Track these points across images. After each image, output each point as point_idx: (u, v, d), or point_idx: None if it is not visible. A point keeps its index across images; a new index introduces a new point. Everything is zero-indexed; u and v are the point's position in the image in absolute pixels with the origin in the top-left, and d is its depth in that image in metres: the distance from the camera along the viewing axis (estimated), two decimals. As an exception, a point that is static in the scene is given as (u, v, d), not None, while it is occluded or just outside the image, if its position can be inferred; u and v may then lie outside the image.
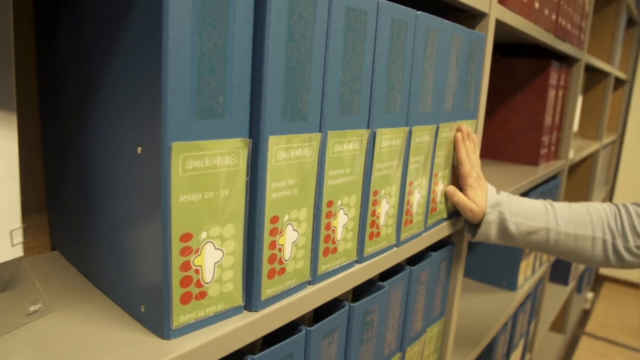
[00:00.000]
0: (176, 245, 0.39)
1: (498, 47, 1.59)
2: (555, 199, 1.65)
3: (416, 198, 0.69)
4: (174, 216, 0.38)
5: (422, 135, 0.68)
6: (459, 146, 0.79)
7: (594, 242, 0.84)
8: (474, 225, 0.87)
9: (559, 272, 2.44)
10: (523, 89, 1.47)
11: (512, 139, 1.49)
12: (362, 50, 0.53)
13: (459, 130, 0.79)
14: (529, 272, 1.56)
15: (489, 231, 0.85)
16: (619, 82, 3.20)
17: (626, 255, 0.84)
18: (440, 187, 0.77)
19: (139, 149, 0.39)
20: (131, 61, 0.39)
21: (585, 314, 3.49)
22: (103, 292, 0.50)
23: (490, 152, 1.53)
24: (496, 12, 0.86)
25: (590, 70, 2.33)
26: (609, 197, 3.43)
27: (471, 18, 0.83)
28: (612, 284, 4.06)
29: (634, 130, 3.77)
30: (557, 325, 2.72)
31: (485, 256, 1.48)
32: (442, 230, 0.80)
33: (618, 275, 4.05)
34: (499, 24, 0.91)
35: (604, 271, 4.05)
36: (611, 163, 3.31)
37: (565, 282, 2.48)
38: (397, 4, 0.58)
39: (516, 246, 0.99)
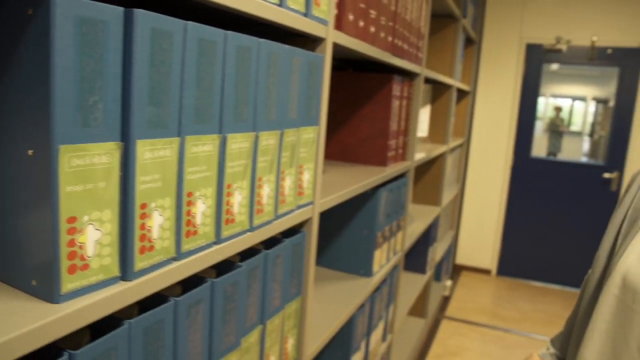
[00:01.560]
0: (64, 226, 0.50)
1: (352, 63, 1.80)
2: (403, 193, 1.89)
3: (265, 191, 0.84)
4: (61, 203, 0.49)
5: (269, 139, 0.83)
6: None
7: None
8: None
9: (416, 262, 2.73)
10: (371, 100, 1.68)
11: (363, 143, 1.70)
12: (213, 72, 0.67)
13: None
14: (383, 260, 1.78)
15: None
16: (464, 93, 3.62)
17: None
18: (287, 182, 0.92)
19: (30, 152, 0.50)
20: (23, 83, 0.50)
21: (445, 300, 3.88)
22: (-5, 276, 0.59)
23: (345, 156, 1.73)
24: (333, 37, 1.05)
25: (435, 82, 2.65)
26: (461, 194, 3.85)
27: (312, 42, 1.00)
28: (468, 272, 4.53)
29: (478, 134, 4.27)
30: (419, 311, 3.02)
31: (344, 247, 1.68)
32: (293, 219, 0.96)
33: (473, 264, 4.53)
34: (337, 46, 1.10)
35: (461, 260, 4.50)
36: (461, 164, 3.72)
37: (422, 271, 2.78)
38: (242, 34, 0.73)
39: None
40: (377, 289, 1.73)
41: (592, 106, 9.37)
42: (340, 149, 1.74)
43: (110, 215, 0.55)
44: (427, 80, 2.48)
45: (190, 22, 0.62)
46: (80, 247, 0.53)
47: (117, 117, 0.55)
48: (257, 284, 0.89)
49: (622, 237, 1.06)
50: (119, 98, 0.54)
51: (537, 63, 4.28)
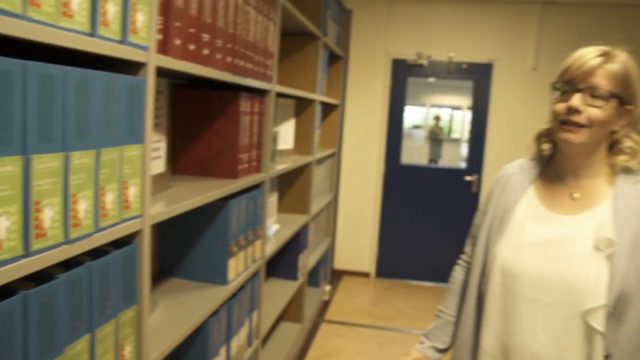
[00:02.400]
0: None
1: (206, 82, 1.87)
2: (259, 203, 1.99)
3: (82, 206, 0.91)
4: None
5: (83, 158, 0.89)
6: None
7: None
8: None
9: (286, 269, 2.86)
10: (221, 116, 1.78)
11: (215, 158, 1.79)
12: (11, 99, 0.73)
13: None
14: (240, 268, 1.87)
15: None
16: (333, 106, 3.82)
17: None
18: (109, 197, 0.99)
19: None
20: None
21: (325, 304, 4.05)
22: None
23: (198, 170, 1.81)
24: (156, 61, 1.13)
25: (298, 97, 2.79)
26: (335, 201, 4.05)
27: (133, 66, 1.08)
28: (348, 276, 4.74)
29: (349, 144, 4.52)
30: (295, 316, 3.14)
31: (200, 258, 1.75)
32: (118, 232, 1.03)
33: (352, 268, 4.74)
34: (164, 68, 1.18)
35: (340, 266, 4.71)
36: (333, 173, 3.92)
37: (294, 277, 2.90)
38: (45, 64, 0.79)
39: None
40: (234, 296, 1.82)
41: (468, 115, 10.16)
42: (193, 163, 1.81)
43: None
44: (288, 96, 2.62)
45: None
46: None
47: None
48: (81, 294, 0.95)
49: (494, 234, 1.28)
50: None
51: (402, 76, 4.61)
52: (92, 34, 0.92)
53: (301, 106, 2.98)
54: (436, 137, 9.73)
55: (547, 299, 1.17)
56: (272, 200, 2.56)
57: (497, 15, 4.43)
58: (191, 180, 1.73)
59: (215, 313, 1.64)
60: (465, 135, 10.44)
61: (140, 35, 1.06)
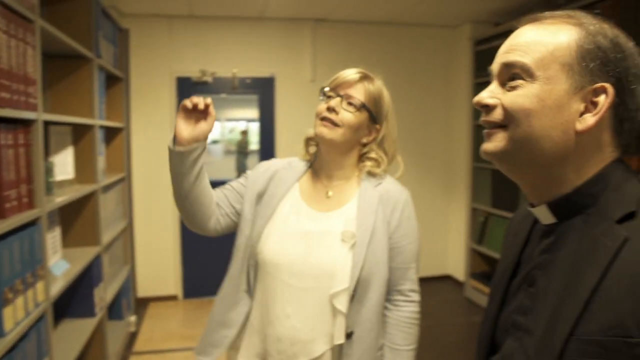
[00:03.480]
0: None
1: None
2: (37, 242, 1.84)
3: None
4: None
5: None
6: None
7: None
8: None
9: (81, 306, 2.67)
10: (-23, 152, 1.60)
11: (-25, 198, 1.61)
12: None
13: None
14: (20, 316, 1.70)
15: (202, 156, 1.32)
16: (117, 130, 3.66)
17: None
18: None
19: None
20: None
21: (133, 336, 3.85)
22: None
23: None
24: None
25: (73, 124, 2.62)
26: (130, 228, 3.88)
27: None
28: (155, 302, 4.57)
29: (140, 166, 4.38)
30: (97, 355, 2.94)
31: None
32: None
33: (158, 293, 4.59)
34: None
35: (145, 293, 4.52)
36: (125, 198, 3.75)
37: (91, 314, 2.72)
38: None
39: (185, 180, 1.35)
40: (15, 347, 1.65)
41: (242, 123, 10.45)
42: (-52, 207, 1.61)
43: None
44: (63, 123, 2.45)
45: None
46: None
47: None
48: None
49: (260, 222, 1.44)
50: None
51: (187, 94, 4.58)
52: None
53: (79, 132, 2.80)
54: (243, 151, 9.92)
55: (301, 285, 1.34)
56: (54, 235, 2.37)
57: (275, 31, 4.67)
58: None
59: (-9, 370, 1.48)
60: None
61: None
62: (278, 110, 4.72)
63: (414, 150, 5.06)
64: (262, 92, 4.77)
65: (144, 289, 4.50)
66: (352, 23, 4.79)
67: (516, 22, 0.86)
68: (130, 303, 3.92)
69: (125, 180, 3.76)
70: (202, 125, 1.31)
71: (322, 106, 1.41)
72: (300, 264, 1.34)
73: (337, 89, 1.41)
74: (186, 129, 1.29)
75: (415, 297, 1.47)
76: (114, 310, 3.52)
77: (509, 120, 0.78)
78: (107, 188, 3.16)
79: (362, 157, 1.48)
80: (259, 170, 1.52)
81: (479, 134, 4.48)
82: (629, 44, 0.79)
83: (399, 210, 1.43)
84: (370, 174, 1.46)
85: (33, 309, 1.81)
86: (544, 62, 0.77)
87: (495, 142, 0.80)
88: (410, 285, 1.45)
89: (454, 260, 5.21)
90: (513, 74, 0.79)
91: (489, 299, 0.97)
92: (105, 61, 3.13)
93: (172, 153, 1.31)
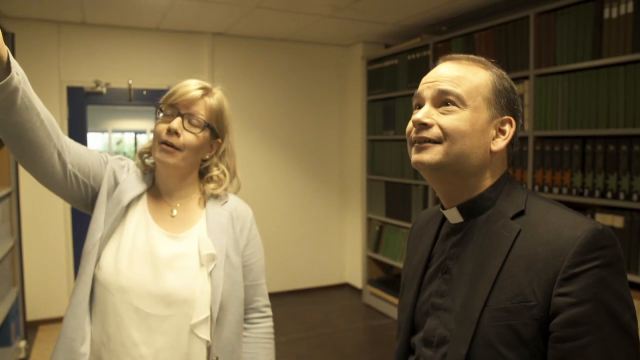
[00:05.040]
0: None
1: None
2: None
3: None
4: None
5: None
6: None
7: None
8: None
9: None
10: None
11: None
12: None
13: None
14: None
15: (21, 79, 0.99)
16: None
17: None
18: None
19: None
20: None
21: (22, 363, 3.59)
22: None
23: None
24: None
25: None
26: (19, 246, 3.63)
27: None
28: (47, 325, 4.29)
29: (29, 180, 4.10)
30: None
31: None
32: None
33: (51, 315, 4.32)
34: None
35: (36, 315, 4.23)
36: (12, 215, 3.50)
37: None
38: None
39: (15, 113, 1.03)
40: None
41: (144, 135, 10.17)
42: None
43: None
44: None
45: None
46: None
47: None
48: None
49: (106, 232, 1.27)
50: None
51: (80, 104, 4.40)
52: None
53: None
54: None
55: (152, 311, 1.21)
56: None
57: (172, 43, 4.62)
58: None
59: None
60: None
61: None
62: (177, 122, 4.64)
63: (310, 163, 5.22)
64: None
65: (33, 312, 4.21)
66: (250, 38, 4.86)
67: (441, 59, 1.06)
68: (19, 328, 3.65)
69: (12, 195, 3.52)
70: None
71: (162, 127, 1.27)
72: (149, 288, 1.22)
73: (177, 106, 1.28)
74: None
75: (269, 311, 1.47)
76: (1, 337, 3.27)
77: (446, 138, 0.96)
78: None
79: (203, 173, 1.40)
80: (119, 164, 1.35)
81: (371, 147, 4.73)
82: (515, 88, 1.04)
83: (247, 228, 1.40)
84: (214, 195, 1.38)
85: None
86: (472, 94, 0.97)
87: (432, 155, 0.96)
88: (264, 301, 1.45)
89: (351, 268, 5.39)
90: (447, 100, 0.97)
91: (402, 290, 1.16)
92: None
93: None
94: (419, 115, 0.97)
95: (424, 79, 1.03)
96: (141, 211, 1.31)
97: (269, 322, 1.47)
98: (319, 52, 5.17)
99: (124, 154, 9.57)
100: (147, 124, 9.77)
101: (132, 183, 1.31)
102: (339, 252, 5.45)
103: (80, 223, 4.35)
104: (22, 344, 3.62)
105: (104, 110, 8.98)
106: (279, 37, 4.89)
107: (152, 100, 4.65)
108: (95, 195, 1.29)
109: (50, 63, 4.23)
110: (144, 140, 10.69)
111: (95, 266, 1.23)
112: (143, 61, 4.53)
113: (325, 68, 5.23)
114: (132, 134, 10.68)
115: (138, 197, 1.31)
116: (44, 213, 4.20)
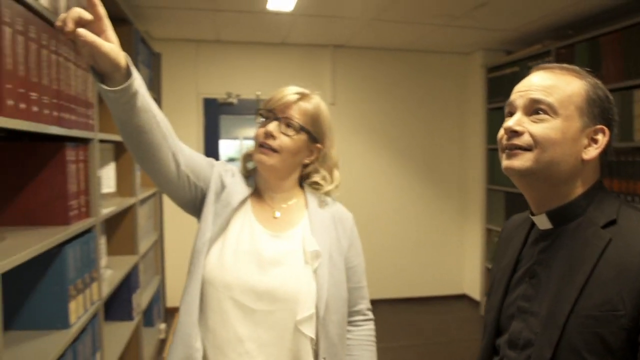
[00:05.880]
0: None
1: (26, 134, 1.92)
2: (92, 247, 2.07)
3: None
4: None
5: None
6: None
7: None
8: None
9: (121, 310, 2.89)
10: (47, 166, 1.84)
11: (45, 206, 1.85)
12: None
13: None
14: (80, 311, 1.92)
15: (138, 83, 1.06)
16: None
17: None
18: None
19: None
20: None
21: (162, 343, 4.06)
22: None
23: (27, 220, 1.84)
24: (-8, 122, 1.22)
25: (116, 142, 2.87)
26: (161, 241, 4.11)
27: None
28: (181, 313, 4.77)
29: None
30: (134, 356, 3.15)
31: (40, 306, 1.78)
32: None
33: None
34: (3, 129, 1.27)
35: (173, 303, 4.73)
36: (156, 212, 3.99)
37: (129, 318, 2.94)
38: None
39: (135, 115, 1.11)
40: (78, 338, 1.87)
41: None
42: (23, 214, 1.84)
43: None
44: (107, 141, 2.70)
45: None
46: None
47: None
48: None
49: (213, 234, 1.31)
50: None
51: (214, 114, 4.86)
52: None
53: (120, 150, 3.05)
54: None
55: (257, 307, 1.25)
56: (102, 243, 2.60)
57: (296, 56, 4.94)
58: (23, 230, 1.76)
59: (62, 355, 1.69)
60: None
61: (-22, 99, 1.16)
62: (299, 130, 4.96)
63: (429, 172, 5.28)
64: (284, 112, 5.01)
65: (171, 300, 4.71)
66: (369, 49, 5.04)
67: (534, 68, 1.10)
68: (161, 311, 4.13)
69: (157, 195, 4.01)
70: (105, 38, 1.02)
71: (260, 130, 1.34)
72: (254, 284, 1.25)
73: (274, 110, 1.33)
74: (95, 55, 1.01)
75: (371, 314, 1.48)
76: (147, 317, 3.74)
77: (537, 145, 1.00)
78: (142, 202, 3.40)
79: (305, 178, 1.44)
80: (224, 168, 1.41)
81: (491, 157, 4.68)
82: (611, 97, 1.05)
83: (349, 230, 1.41)
84: (316, 194, 1.42)
85: (90, 307, 2.03)
86: (564, 103, 1.00)
87: (522, 161, 1.01)
88: (367, 304, 1.47)
89: (470, 279, 5.35)
90: (538, 108, 1.01)
91: (490, 292, 1.20)
92: (143, 84, 3.39)
93: (104, 93, 1.07)
94: (510, 122, 1.02)
95: (516, 88, 1.06)
96: (245, 213, 1.35)
97: (372, 325, 1.48)
98: (437, 61, 5.23)
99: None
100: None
101: (239, 186, 1.37)
102: (457, 262, 5.44)
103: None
104: (162, 326, 4.10)
105: (235, 119, 9.62)
106: (397, 47, 5.03)
107: (276, 109, 5.01)
108: (204, 196, 1.35)
109: (189, 77, 4.74)
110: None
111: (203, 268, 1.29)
112: (270, 73, 4.90)
113: (444, 76, 5.28)
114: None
115: (243, 200, 1.36)
116: (181, 212, 4.68)
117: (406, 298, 5.27)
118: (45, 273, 1.77)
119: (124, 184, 3.05)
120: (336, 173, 1.45)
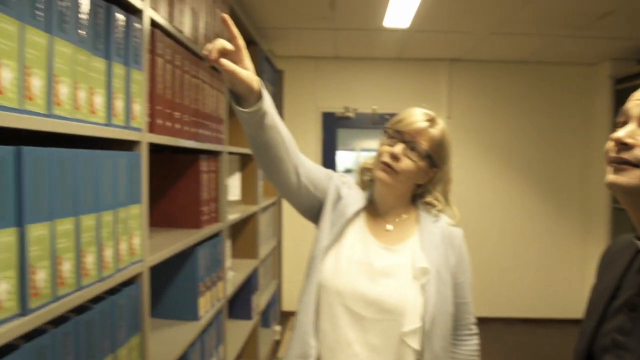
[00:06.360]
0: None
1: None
2: (219, 249, 2.29)
3: (109, 253, 1.20)
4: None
5: (106, 216, 1.19)
6: (230, 29, 1.11)
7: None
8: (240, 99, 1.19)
9: (242, 310, 3.12)
10: (185, 175, 2.09)
11: (182, 210, 2.09)
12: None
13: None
14: (208, 306, 2.15)
15: (268, 104, 1.19)
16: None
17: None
18: (122, 245, 1.29)
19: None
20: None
21: (277, 344, 4.29)
22: None
23: (168, 222, 2.10)
24: (148, 139, 1.45)
25: (241, 154, 3.13)
26: (278, 247, 4.35)
27: (132, 144, 1.40)
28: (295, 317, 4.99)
29: (289, 192, 4.85)
30: (251, 354, 3.39)
31: (175, 299, 2.02)
32: (128, 273, 1.32)
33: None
34: (152, 143, 1.50)
35: (287, 307, 4.97)
36: (275, 220, 4.24)
37: (249, 317, 3.17)
38: (39, 148, 1.01)
39: (263, 132, 1.24)
40: (205, 330, 2.09)
41: None
42: (163, 216, 2.10)
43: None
44: (234, 153, 2.95)
45: None
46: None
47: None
48: (107, 321, 1.23)
49: (328, 242, 1.39)
50: None
51: (332, 127, 5.06)
52: (108, 124, 1.24)
53: (245, 161, 3.32)
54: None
55: (366, 314, 1.31)
56: (227, 246, 2.85)
57: (412, 70, 5.01)
58: (164, 231, 2.01)
59: (192, 344, 1.91)
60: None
61: (137, 120, 1.39)
62: (413, 143, 5.01)
63: (549, 190, 5.06)
64: (399, 125, 5.10)
65: (286, 303, 4.96)
66: (487, 62, 4.98)
67: None
68: (276, 314, 4.37)
69: (276, 204, 4.26)
70: (242, 66, 1.16)
71: (385, 149, 1.37)
72: (364, 293, 1.32)
73: (403, 133, 1.36)
74: (234, 80, 1.15)
75: (476, 329, 1.50)
76: (264, 318, 3.98)
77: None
78: (263, 210, 3.65)
79: (418, 196, 1.48)
80: (341, 180, 1.48)
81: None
82: None
83: (458, 246, 1.43)
84: (428, 211, 1.46)
85: (216, 303, 2.26)
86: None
87: (628, 178, 0.88)
88: (472, 319, 1.48)
89: (590, 300, 5.04)
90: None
91: (585, 316, 1.09)
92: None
93: (239, 113, 1.21)
94: (620, 133, 0.90)
95: (634, 95, 0.93)
96: (359, 224, 1.42)
97: (477, 340, 1.50)
98: (560, 72, 5.04)
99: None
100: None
101: (354, 198, 1.44)
102: (579, 285, 5.14)
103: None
104: (278, 328, 4.33)
105: (352, 131, 9.84)
106: (516, 59, 4.92)
107: (391, 123, 5.11)
108: (321, 206, 1.44)
109: (308, 92, 4.98)
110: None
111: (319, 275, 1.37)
112: (385, 88, 5.02)
113: (567, 88, 5.06)
114: (375, 153, 11.41)
115: (357, 211, 1.43)
116: (300, 221, 4.90)
117: (522, 318, 5.09)
118: (180, 270, 2.01)
119: (248, 193, 3.31)
120: (455, 209, 1.48)
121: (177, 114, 1.73)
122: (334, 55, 4.94)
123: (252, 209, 3.16)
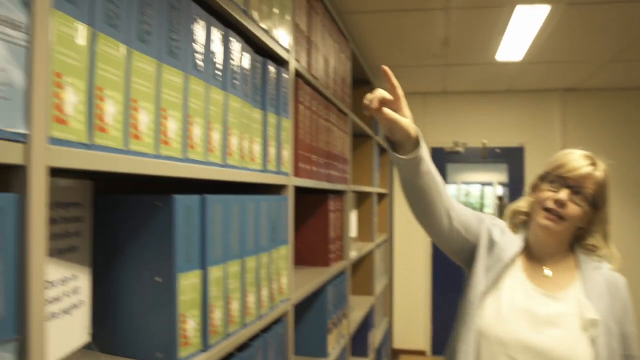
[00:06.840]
0: (179, 319, 0.91)
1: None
2: (344, 287, 2.33)
3: (265, 293, 1.27)
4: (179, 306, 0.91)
5: (233, 266, 1.26)
6: (390, 80, 1.19)
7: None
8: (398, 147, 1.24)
9: (359, 346, 3.13)
10: (314, 214, 2.16)
11: (311, 248, 2.16)
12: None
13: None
14: (334, 343, 2.18)
15: (424, 151, 1.23)
16: (383, 195, 4.21)
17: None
18: (274, 285, 1.35)
19: (158, 279, 0.92)
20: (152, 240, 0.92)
21: (388, 383, 4.24)
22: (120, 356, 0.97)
23: (298, 259, 2.17)
24: (293, 182, 1.53)
25: (357, 192, 3.19)
26: (390, 283, 4.33)
27: (281, 187, 1.48)
28: (406, 355, 4.92)
29: (399, 228, 4.85)
30: (366, 392, 3.37)
31: (306, 336, 2.07)
32: (277, 312, 1.39)
33: (409, 346, 4.93)
34: (296, 187, 1.58)
35: (398, 345, 4.90)
36: (387, 257, 4.24)
37: (365, 354, 3.17)
38: (188, 195, 1.13)
39: (418, 178, 1.28)
40: (333, 367, 2.12)
41: (499, 189, 10.43)
42: (295, 254, 2.17)
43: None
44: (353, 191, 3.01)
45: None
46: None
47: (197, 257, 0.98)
48: (261, 358, 1.29)
49: (485, 287, 1.37)
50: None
51: (441, 163, 5.01)
52: (263, 170, 1.32)
53: (361, 198, 3.37)
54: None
55: None
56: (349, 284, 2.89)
57: (523, 102, 4.87)
58: (296, 270, 2.08)
59: (323, 382, 1.94)
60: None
61: (285, 165, 1.47)
62: (528, 177, 4.84)
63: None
64: (511, 161, 4.96)
65: (396, 341, 4.90)
66: (604, 90, 4.75)
67: None
68: (388, 352, 4.33)
69: (388, 240, 4.26)
70: (401, 114, 1.21)
71: (547, 194, 1.33)
72: (528, 342, 1.27)
73: (567, 179, 1.32)
74: (393, 128, 1.20)
75: None
76: (377, 356, 3.95)
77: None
78: (377, 246, 3.67)
79: (577, 239, 1.42)
80: (493, 222, 1.46)
81: None
82: None
83: (623, 295, 1.36)
84: (588, 255, 1.40)
85: (340, 340, 2.28)
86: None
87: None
88: None
89: None
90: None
91: None
92: (379, 137, 3.70)
93: (395, 159, 1.27)
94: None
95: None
96: (516, 269, 1.38)
97: None
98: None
99: (470, 204, 10.07)
100: (492, 177, 10.08)
101: (510, 241, 1.40)
102: None
103: (440, 269, 4.90)
104: (389, 366, 4.28)
105: (460, 166, 9.65)
106: (636, 87, 4.65)
107: (504, 157, 4.98)
108: (471, 248, 1.42)
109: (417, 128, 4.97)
110: (490, 193, 11.02)
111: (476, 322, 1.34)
112: (495, 120, 4.92)
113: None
114: (478, 186, 11.11)
115: (514, 256, 1.38)
116: (410, 258, 4.88)
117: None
118: (311, 308, 2.06)
119: (364, 230, 3.35)
120: (615, 250, 1.41)
121: (314, 157, 1.81)
122: (442, 90, 4.93)
123: (369, 246, 3.19)
